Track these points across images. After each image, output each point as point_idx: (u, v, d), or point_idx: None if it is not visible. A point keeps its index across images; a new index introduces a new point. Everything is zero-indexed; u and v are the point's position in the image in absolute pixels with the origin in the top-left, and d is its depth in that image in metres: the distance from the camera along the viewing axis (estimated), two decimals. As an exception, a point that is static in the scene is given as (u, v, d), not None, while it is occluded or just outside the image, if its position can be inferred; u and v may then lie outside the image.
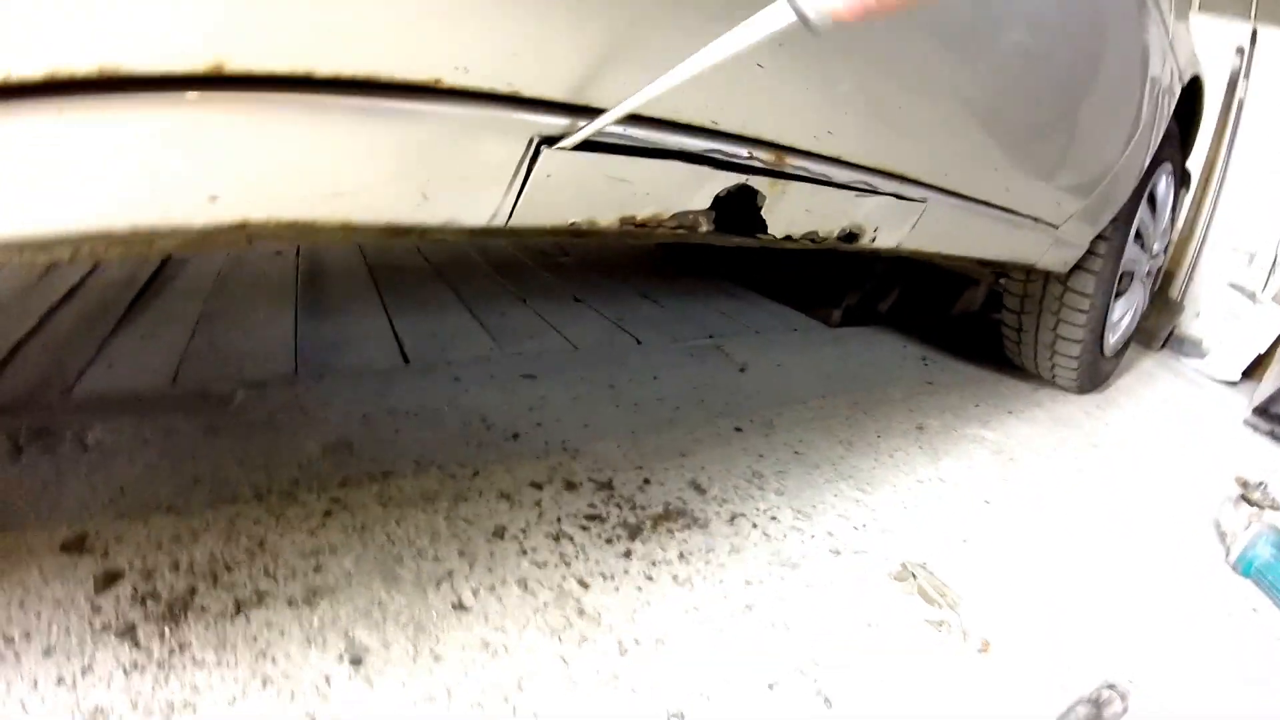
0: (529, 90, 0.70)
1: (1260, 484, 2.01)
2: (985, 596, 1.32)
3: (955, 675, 1.12)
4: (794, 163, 1.06)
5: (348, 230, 0.68)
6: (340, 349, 1.91)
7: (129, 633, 0.94)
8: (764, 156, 1.00)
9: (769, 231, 1.11)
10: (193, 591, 1.02)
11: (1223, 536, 1.73)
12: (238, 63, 0.53)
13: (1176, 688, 1.20)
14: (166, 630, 0.95)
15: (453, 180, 0.72)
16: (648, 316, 2.66)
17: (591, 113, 0.77)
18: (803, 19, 0.60)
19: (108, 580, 1.02)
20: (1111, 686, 1.13)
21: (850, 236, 1.29)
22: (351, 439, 1.47)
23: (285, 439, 1.44)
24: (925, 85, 1.18)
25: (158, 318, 2.00)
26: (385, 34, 0.59)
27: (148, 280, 2.26)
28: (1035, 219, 1.84)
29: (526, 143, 0.74)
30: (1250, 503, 1.85)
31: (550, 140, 0.75)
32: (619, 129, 0.81)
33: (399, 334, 2.08)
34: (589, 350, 2.19)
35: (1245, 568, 1.60)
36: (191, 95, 0.53)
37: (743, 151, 0.97)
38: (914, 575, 1.32)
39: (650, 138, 0.84)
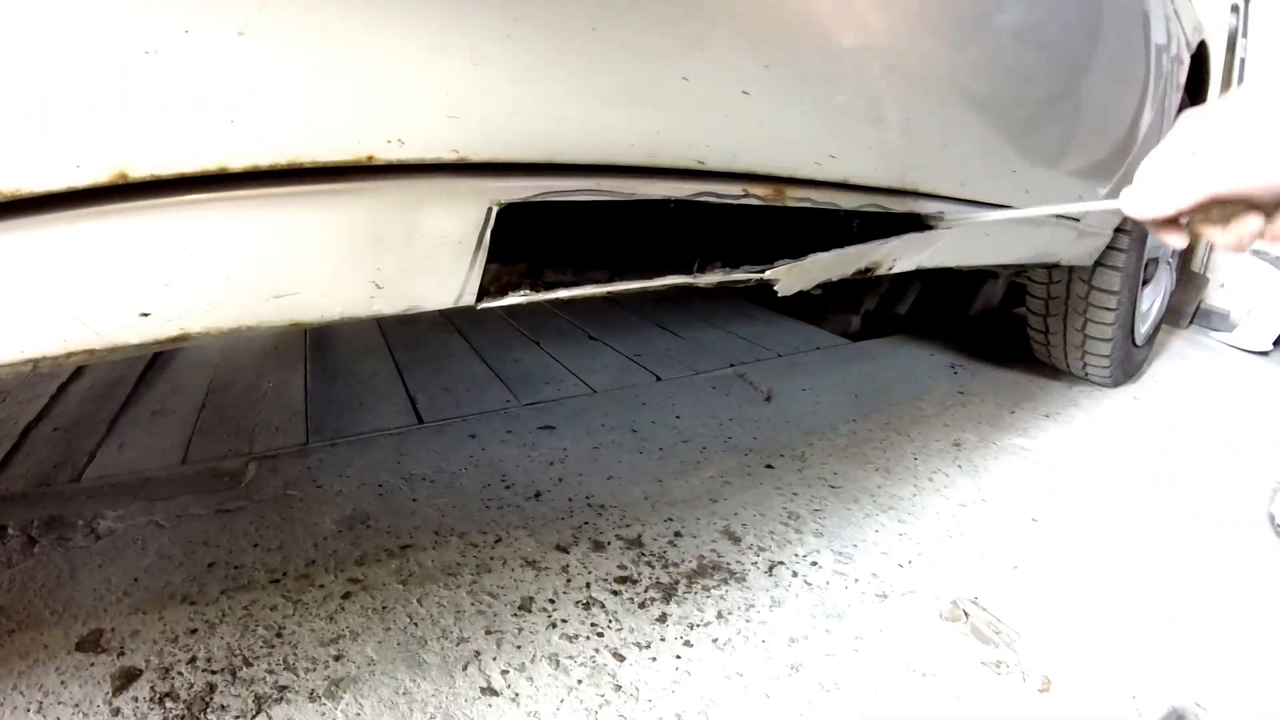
0: (478, 154, 0.64)
1: (1312, 472, 1.93)
2: (1041, 628, 1.25)
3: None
4: (796, 194, 0.99)
5: (301, 326, 0.62)
6: (352, 412, 1.88)
7: (150, 737, 0.91)
8: (760, 192, 0.93)
9: (776, 291, 1.05)
10: (211, 689, 1.00)
11: (1279, 530, 1.65)
12: (142, 168, 0.49)
13: (1247, 704, 1.13)
14: (188, 734, 0.92)
15: (406, 264, 0.65)
16: (665, 349, 2.61)
17: (554, 169, 0.71)
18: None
19: (125, 679, 1.00)
20: (1183, 717, 1.07)
21: (865, 270, 1.22)
22: (368, 511, 1.43)
23: (299, 515, 1.40)
24: (928, 90, 1.11)
25: (166, 390, 1.99)
26: (302, 115, 0.53)
27: (156, 352, 2.24)
28: (1057, 215, 1.77)
29: (484, 211, 0.68)
30: (1302, 492, 1.78)
31: (511, 206, 0.69)
32: (579, 183, 0.74)
33: (411, 391, 2.04)
34: (607, 392, 2.14)
35: (1303, 561, 1.53)
36: (97, 209, 0.49)
37: (735, 190, 0.90)
38: (966, 613, 1.25)
39: (622, 188, 0.77)
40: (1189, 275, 4.00)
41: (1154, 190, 0.73)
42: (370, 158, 0.58)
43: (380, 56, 0.55)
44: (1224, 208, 0.71)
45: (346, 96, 0.55)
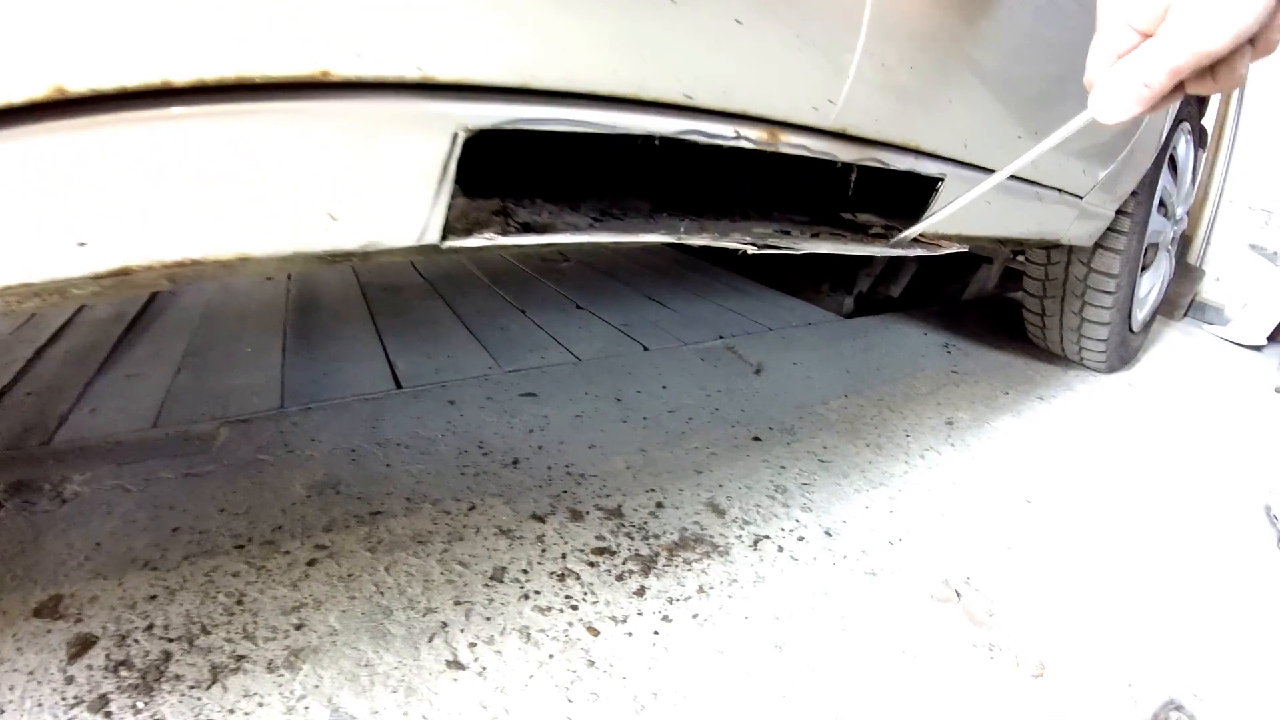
0: (445, 74, 0.58)
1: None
2: (1035, 611, 1.21)
3: (1010, 707, 1.01)
4: (791, 139, 0.93)
5: (251, 264, 0.56)
6: (329, 377, 1.82)
7: (102, 706, 0.89)
8: (754, 135, 0.87)
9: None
10: (168, 657, 0.96)
11: (1274, 520, 1.63)
12: (80, 83, 0.44)
13: (1244, 695, 1.09)
14: (140, 703, 0.89)
15: (363, 194, 0.59)
16: (654, 320, 2.56)
17: (529, 94, 0.64)
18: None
19: (81, 647, 0.97)
20: (1179, 707, 1.04)
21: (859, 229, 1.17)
22: (339, 476, 1.38)
23: (269, 480, 1.36)
24: (935, 43, 1.04)
25: (144, 354, 1.94)
26: (251, 24, 0.48)
27: (135, 315, 2.20)
28: (1060, 190, 1.72)
29: (450, 139, 0.62)
30: (1297, 484, 1.75)
31: (480, 134, 0.63)
32: (555, 111, 0.68)
33: (391, 357, 1.99)
34: (593, 361, 2.09)
35: (1298, 551, 1.51)
36: (31, 127, 0.44)
37: (727, 130, 0.84)
38: (957, 593, 1.21)
39: (602, 120, 0.71)
40: (1185, 268, 3.98)
41: (1117, 91, 0.65)
42: (325, 73, 0.52)
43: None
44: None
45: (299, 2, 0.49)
